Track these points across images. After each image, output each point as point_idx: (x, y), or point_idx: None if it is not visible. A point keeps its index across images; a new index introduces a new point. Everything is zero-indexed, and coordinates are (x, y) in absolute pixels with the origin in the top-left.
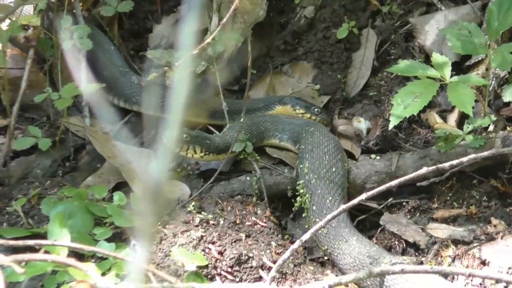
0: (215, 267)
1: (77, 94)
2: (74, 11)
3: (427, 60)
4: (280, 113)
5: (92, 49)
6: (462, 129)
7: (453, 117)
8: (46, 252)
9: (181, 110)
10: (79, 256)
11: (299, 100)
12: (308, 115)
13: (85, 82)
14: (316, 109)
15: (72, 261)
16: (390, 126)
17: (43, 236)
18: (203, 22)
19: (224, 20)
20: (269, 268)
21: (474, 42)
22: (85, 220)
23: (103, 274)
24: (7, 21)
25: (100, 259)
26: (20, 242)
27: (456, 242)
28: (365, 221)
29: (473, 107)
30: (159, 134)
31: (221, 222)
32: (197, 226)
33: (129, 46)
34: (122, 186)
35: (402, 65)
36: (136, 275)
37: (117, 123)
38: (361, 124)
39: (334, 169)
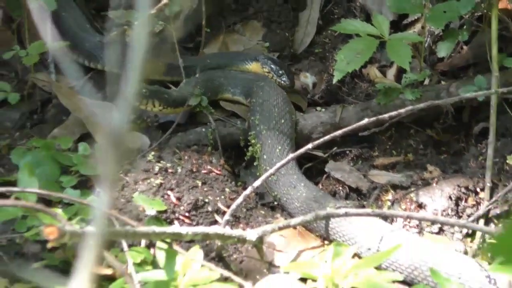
0: (173, 212)
1: (44, 52)
2: None
3: (367, 19)
4: (253, 69)
5: (57, 9)
6: (400, 83)
7: (391, 72)
8: (17, 198)
9: (140, 66)
10: (47, 202)
11: (270, 60)
12: (271, 75)
13: (51, 40)
14: (280, 71)
15: (40, 206)
16: (334, 80)
17: (14, 184)
18: None
19: None
20: (224, 213)
21: (411, 2)
22: (52, 169)
23: (70, 218)
24: None
25: (66, 205)
26: None
27: (395, 187)
28: (312, 169)
29: (410, 63)
30: (120, 89)
31: (179, 170)
32: (156, 174)
33: (91, 6)
34: (86, 137)
35: (345, 24)
36: (100, 219)
37: (81, 79)
38: (308, 79)
39: (283, 121)
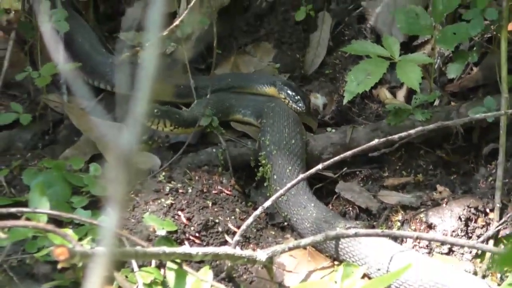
0: (183, 232)
1: (56, 73)
2: None
3: (378, 40)
4: (270, 93)
5: (70, 31)
6: (410, 104)
7: (402, 93)
8: (27, 219)
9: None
10: (58, 222)
11: (287, 85)
12: (287, 101)
13: (63, 62)
14: (296, 97)
15: (51, 227)
16: (345, 101)
17: (25, 204)
18: (172, 6)
19: (192, 4)
20: (234, 233)
21: (421, 23)
22: (63, 189)
23: (80, 239)
24: None
25: (77, 226)
26: (3, 210)
27: (404, 207)
28: (322, 189)
29: (420, 84)
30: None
31: (189, 190)
32: (167, 194)
33: (103, 29)
34: (97, 158)
35: (355, 45)
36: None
37: (92, 100)
38: (318, 99)
39: (293, 141)
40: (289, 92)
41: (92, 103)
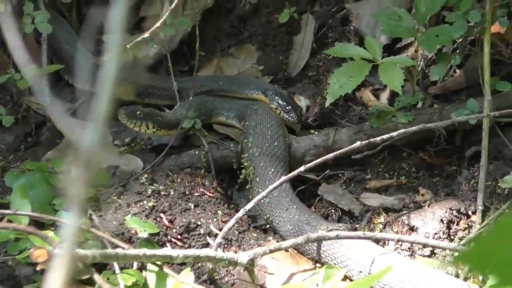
0: (166, 235)
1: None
2: None
3: (361, 43)
4: (260, 100)
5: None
6: (393, 106)
7: (385, 95)
8: (9, 221)
9: (110, 87)
10: (41, 224)
11: (278, 95)
12: (278, 111)
13: (45, 63)
14: (287, 107)
15: (32, 229)
16: (327, 104)
17: (7, 207)
18: (155, 8)
19: (173, 6)
20: (216, 235)
21: (404, 26)
22: (46, 191)
23: (61, 241)
24: None
25: (59, 228)
26: None
27: (387, 210)
28: (305, 191)
29: (403, 86)
30: (91, 108)
31: (172, 193)
32: (149, 196)
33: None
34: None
35: (338, 48)
36: (69, 240)
37: (74, 101)
38: (301, 102)
39: (276, 144)
40: (280, 102)
41: (75, 105)
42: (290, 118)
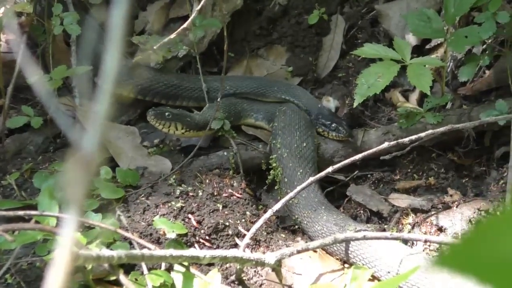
0: (194, 235)
1: (67, 76)
2: None
3: (391, 44)
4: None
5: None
6: (422, 107)
7: (414, 96)
8: (37, 222)
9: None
10: None
11: (320, 115)
12: (326, 133)
13: (75, 64)
14: (333, 125)
15: (58, 230)
16: (355, 104)
17: (35, 208)
18: (184, 10)
19: (199, 7)
20: (244, 236)
21: (433, 27)
22: None
23: (90, 242)
24: (2, 9)
25: (88, 228)
26: (11, 213)
27: (415, 210)
28: (334, 192)
29: (432, 87)
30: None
31: (200, 193)
32: (177, 197)
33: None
34: (108, 161)
35: (367, 48)
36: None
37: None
38: (330, 103)
39: (304, 144)
40: (326, 122)
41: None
42: (341, 135)
